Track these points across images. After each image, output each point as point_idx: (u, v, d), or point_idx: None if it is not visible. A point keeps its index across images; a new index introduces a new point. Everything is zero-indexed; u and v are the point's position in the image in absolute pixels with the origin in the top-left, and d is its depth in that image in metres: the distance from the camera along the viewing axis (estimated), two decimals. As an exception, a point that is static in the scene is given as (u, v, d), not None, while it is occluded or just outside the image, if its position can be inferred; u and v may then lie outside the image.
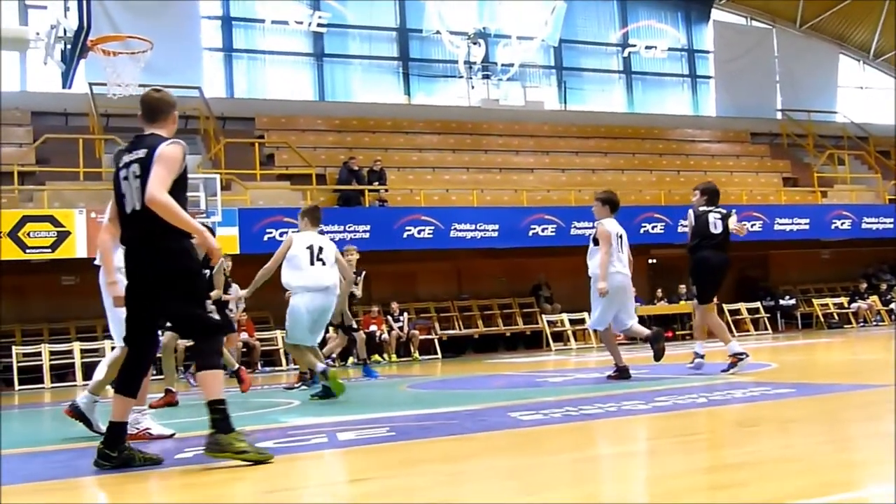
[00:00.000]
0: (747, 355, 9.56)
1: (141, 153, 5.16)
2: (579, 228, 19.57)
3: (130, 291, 5.22)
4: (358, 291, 13.17)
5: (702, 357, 10.01)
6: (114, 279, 5.76)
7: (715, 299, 10.28)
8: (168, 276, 5.09)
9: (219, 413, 4.97)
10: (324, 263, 9.39)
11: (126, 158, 5.24)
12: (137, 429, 6.29)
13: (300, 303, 9.37)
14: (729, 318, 20.73)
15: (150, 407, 7.60)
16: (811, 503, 3.30)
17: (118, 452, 5.07)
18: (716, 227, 9.79)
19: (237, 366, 10.61)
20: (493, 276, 22.36)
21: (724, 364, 9.54)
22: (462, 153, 24.30)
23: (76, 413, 6.59)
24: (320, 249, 9.41)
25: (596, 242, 9.80)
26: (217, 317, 5.36)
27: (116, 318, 6.53)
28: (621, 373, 9.53)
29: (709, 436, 5.59)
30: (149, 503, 4.61)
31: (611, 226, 9.82)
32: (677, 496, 3.61)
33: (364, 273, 13.37)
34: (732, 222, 9.86)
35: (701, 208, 9.94)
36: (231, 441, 4.90)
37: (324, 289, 9.40)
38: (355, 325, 13.36)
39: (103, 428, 5.70)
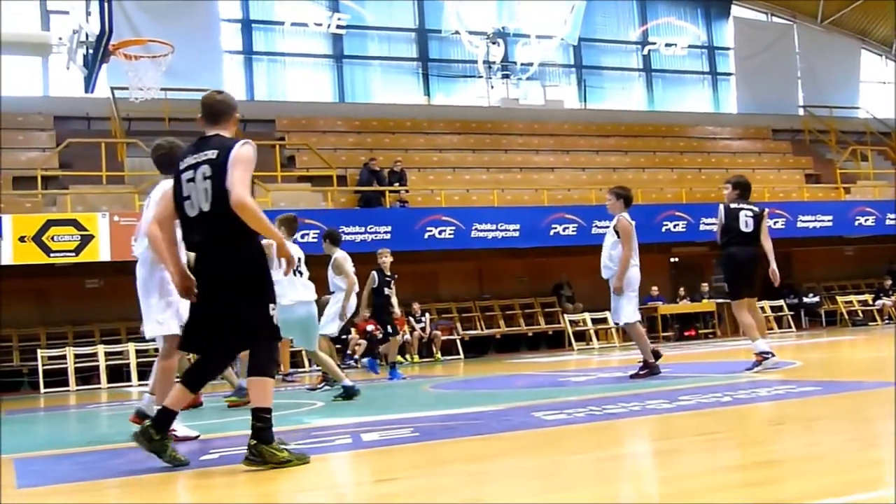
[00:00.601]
0: (773, 355, 9.46)
1: (211, 154, 5.06)
2: (600, 227, 19.41)
3: (202, 294, 5.15)
4: (394, 297, 13.21)
5: (772, 355, 9.57)
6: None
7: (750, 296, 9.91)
8: (244, 278, 5.03)
9: (262, 421, 4.89)
10: (302, 275, 9.51)
11: (191, 160, 5.13)
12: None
13: (288, 313, 9.19)
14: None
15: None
16: (837, 502, 3.29)
17: (160, 437, 5.05)
18: (747, 225, 9.63)
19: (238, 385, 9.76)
20: (514, 275, 22.35)
21: (748, 362, 9.50)
22: (482, 153, 24.29)
23: (142, 418, 6.51)
24: (299, 261, 9.48)
25: (617, 234, 9.77)
26: (277, 323, 5.22)
27: (153, 313, 6.57)
28: (651, 369, 9.49)
29: (734, 434, 5.56)
30: (175, 503, 4.66)
31: (630, 219, 9.79)
32: (702, 495, 3.61)
33: (396, 276, 13.36)
34: (765, 232, 9.68)
35: (732, 204, 9.80)
36: (273, 452, 4.84)
37: (308, 300, 9.54)
38: (392, 329, 13.47)
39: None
